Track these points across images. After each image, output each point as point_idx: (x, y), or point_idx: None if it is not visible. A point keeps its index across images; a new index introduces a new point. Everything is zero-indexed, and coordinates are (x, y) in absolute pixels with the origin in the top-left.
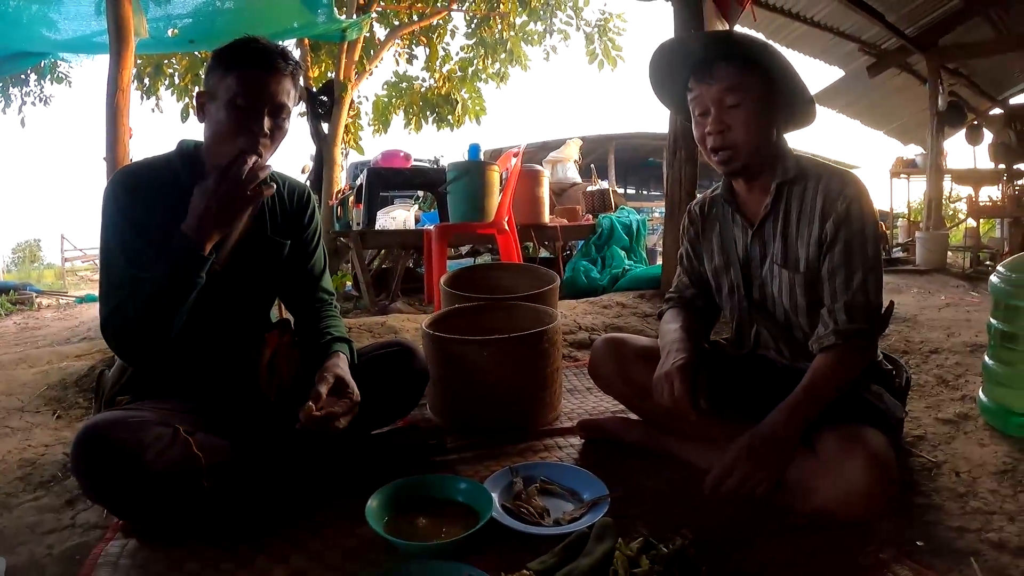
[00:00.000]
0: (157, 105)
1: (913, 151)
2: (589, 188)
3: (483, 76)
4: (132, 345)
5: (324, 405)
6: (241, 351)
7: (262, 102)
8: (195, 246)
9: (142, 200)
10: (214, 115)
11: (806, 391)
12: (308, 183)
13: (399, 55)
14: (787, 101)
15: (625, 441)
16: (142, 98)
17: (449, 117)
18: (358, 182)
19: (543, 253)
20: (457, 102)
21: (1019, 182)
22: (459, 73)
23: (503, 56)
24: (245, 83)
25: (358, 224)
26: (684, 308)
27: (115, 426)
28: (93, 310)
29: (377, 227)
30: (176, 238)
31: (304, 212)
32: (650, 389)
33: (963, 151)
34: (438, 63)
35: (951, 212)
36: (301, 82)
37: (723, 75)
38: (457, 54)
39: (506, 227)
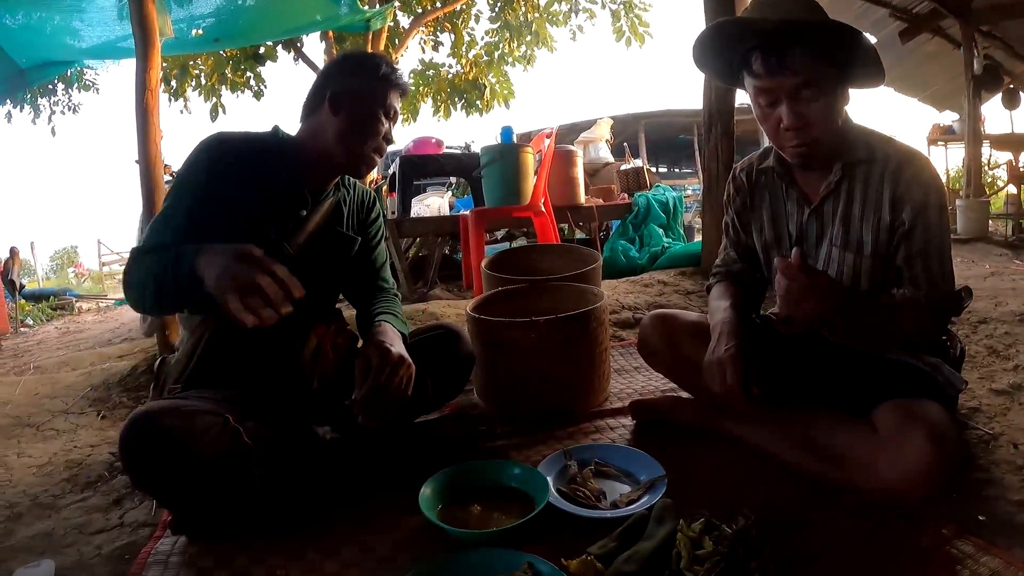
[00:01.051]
0: (185, 106)
1: (949, 118)
2: (623, 167)
3: (509, 60)
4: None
5: (368, 389)
6: (291, 342)
7: (393, 112)
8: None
9: (222, 168)
10: (353, 116)
11: (889, 305)
12: None
13: (424, 42)
14: (859, 78)
15: (678, 421)
16: (170, 100)
17: (478, 102)
18: (390, 171)
19: (579, 234)
20: (485, 87)
21: None
22: (485, 58)
23: (529, 38)
24: (385, 96)
25: (393, 213)
26: (732, 283)
27: (165, 414)
28: (133, 312)
29: (412, 215)
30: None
31: (371, 211)
32: (701, 365)
33: (1000, 116)
34: (464, 48)
35: (990, 179)
36: None
37: (799, 65)
38: (482, 39)
39: (543, 209)
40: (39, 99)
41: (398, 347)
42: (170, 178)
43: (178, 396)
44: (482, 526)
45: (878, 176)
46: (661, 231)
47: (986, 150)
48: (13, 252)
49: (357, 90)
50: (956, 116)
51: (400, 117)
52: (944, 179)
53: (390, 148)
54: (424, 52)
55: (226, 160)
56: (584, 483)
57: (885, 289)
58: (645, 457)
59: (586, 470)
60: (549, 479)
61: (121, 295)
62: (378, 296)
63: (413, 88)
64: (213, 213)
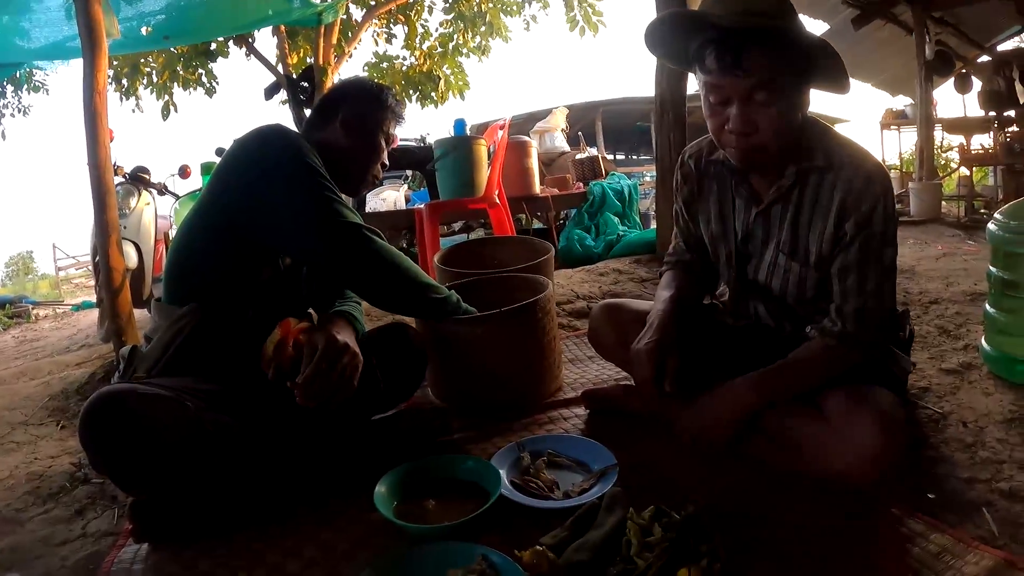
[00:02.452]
0: (137, 105)
1: (902, 102)
2: (578, 156)
3: (464, 51)
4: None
5: (311, 371)
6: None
7: (390, 143)
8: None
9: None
10: (367, 140)
11: (787, 371)
12: None
13: (377, 35)
14: (820, 80)
15: (630, 409)
16: (121, 99)
17: (432, 94)
18: None
19: (536, 224)
20: (440, 78)
21: (1010, 129)
22: (439, 49)
23: (483, 29)
24: (393, 129)
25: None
26: (682, 272)
27: (127, 394)
28: (90, 317)
29: (368, 210)
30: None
31: None
32: None
33: (953, 100)
34: (417, 40)
35: (943, 162)
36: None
37: (756, 66)
38: (436, 30)
39: (497, 200)
40: None
41: (345, 335)
42: (122, 179)
43: (142, 381)
44: (438, 520)
45: (830, 184)
46: (617, 219)
47: (938, 134)
48: None
49: (367, 115)
50: (909, 101)
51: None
52: (897, 162)
53: None
54: (377, 45)
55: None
56: (537, 474)
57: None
58: (597, 446)
59: (539, 461)
60: (502, 471)
61: (78, 300)
62: (344, 301)
63: None
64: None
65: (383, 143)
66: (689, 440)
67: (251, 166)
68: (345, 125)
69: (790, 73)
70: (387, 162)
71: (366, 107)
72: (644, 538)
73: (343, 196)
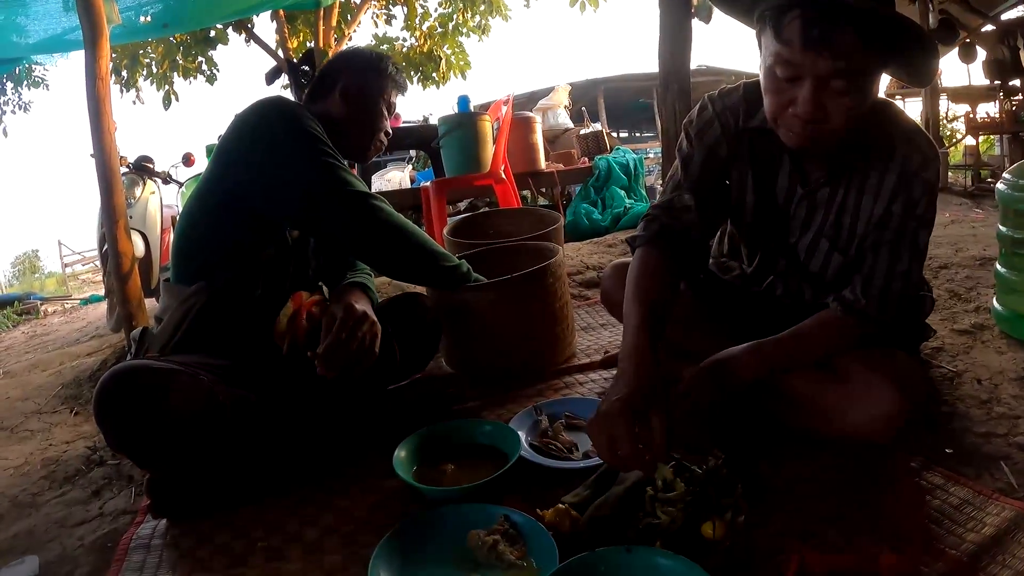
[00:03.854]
0: (138, 96)
1: None
2: (582, 131)
3: (464, 30)
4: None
5: (332, 340)
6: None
7: (391, 112)
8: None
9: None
10: (369, 108)
11: (790, 342)
12: None
13: (377, 16)
14: (900, 68)
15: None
16: (122, 91)
17: (434, 75)
18: None
19: (542, 201)
20: (440, 59)
21: (1016, 98)
22: (439, 29)
23: (482, 8)
24: (396, 97)
25: None
26: (659, 253)
27: (141, 371)
28: (99, 310)
29: (373, 191)
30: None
31: None
32: None
33: (957, 69)
34: (417, 21)
35: (948, 132)
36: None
37: (844, 49)
38: (436, 10)
39: (503, 176)
40: None
41: (362, 305)
42: (126, 170)
43: (155, 358)
44: (457, 484)
45: (883, 164)
46: (623, 193)
47: (944, 103)
48: None
49: (366, 83)
50: None
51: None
52: None
53: None
54: (377, 26)
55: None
56: (555, 436)
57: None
58: None
59: (557, 423)
60: (521, 434)
61: (86, 295)
62: (354, 273)
63: None
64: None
65: (384, 110)
66: (687, 405)
67: (252, 140)
68: (345, 94)
69: (875, 63)
70: (390, 130)
71: (365, 75)
72: (666, 492)
73: (348, 164)
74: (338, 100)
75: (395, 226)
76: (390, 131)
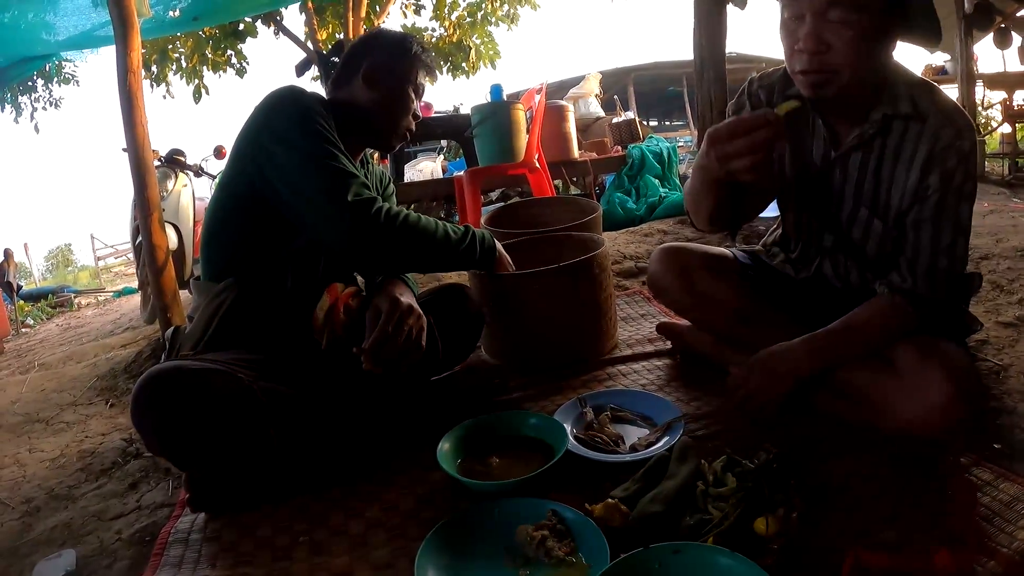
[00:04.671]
0: (168, 91)
1: (941, 58)
2: (614, 120)
3: (493, 20)
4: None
5: (378, 335)
6: (310, 306)
7: (419, 95)
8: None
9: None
10: (393, 91)
11: (845, 333)
12: None
13: (406, 7)
14: (907, 17)
15: (698, 350)
16: (152, 86)
17: (463, 64)
18: None
19: (574, 190)
20: (470, 48)
21: None
22: (468, 19)
23: None
24: (423, 80)
25: None
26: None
27: (178, 372)
28: (132, 302)
29: (406, 180)
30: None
31: (387, 188)
32: (714, 298)
33: (992, 55)
34: (446, 11)
35: (984, 120)
36: None
37: None
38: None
39: (537, 165)
40: (20, 97)
41: (407, 298)
42: (158, 163)
43: (190, 357)
44: (503, 477)
45: (915, 134)
46: (657, 182)
47: (980, 90)
48: (8, 254)
49: (391, 65)
50: (947, 57)
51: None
52: None
53: None
54: (406, 17)
55: (323, 114)
56: (601, 429)
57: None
58: (661, 400)
59: (602, 416)
60: (566, 426)
61: (119, 287)
62: None
63: None
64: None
65: (411, 93)
66: (740, 402)
67: (262, 136)
68: (368, 78)
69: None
70: (419, 113)
71: (388, 56)
72: (718, 488)
73: (373, 150)
74: (361, 84)
75: (406, 226)
76: (419, 115)
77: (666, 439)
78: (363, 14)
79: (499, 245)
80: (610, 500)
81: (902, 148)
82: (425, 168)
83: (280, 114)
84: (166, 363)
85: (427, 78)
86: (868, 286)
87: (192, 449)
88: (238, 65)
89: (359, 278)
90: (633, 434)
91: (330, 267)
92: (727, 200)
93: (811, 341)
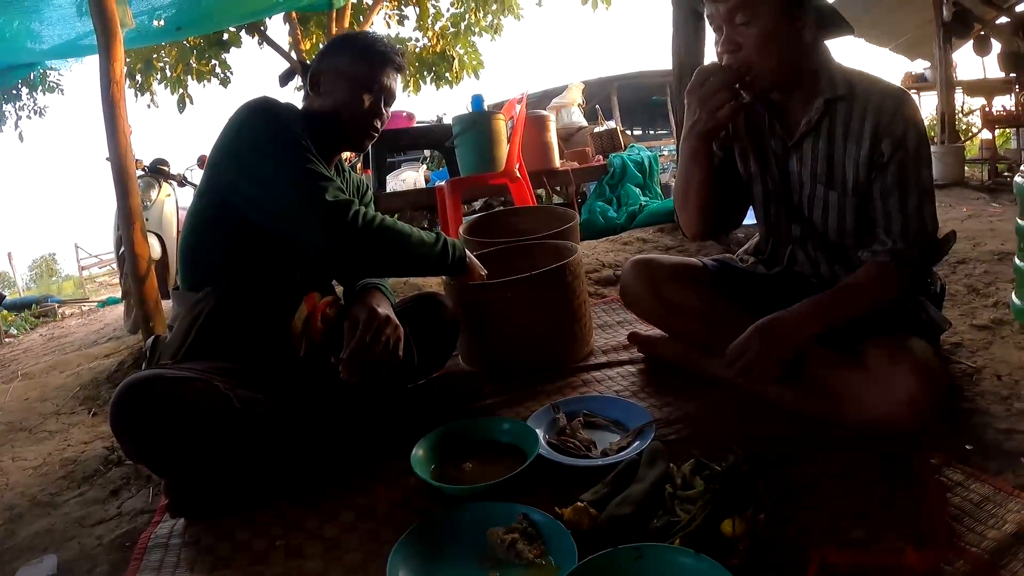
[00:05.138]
0: (152, 100)
1: (921, 66)
2: (596, 129)
3: (476, 30)
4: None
5: (355, 345)
6: (287, 315)
7: (389, 95)
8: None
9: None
10: (345, 93)
11: (840, 295)
12: None
13: (389, 17)
14: (817, 14)
15: (666, 358)
16: (136, 95)
17: (447, 74)
18: None
19: (556, 199)
20: (453, 58)
21: None
22: (452, 29)
23: (494, 7)
24: (382, 76)
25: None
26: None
27: (156, 381)
28: (116, 312)
29: (388, 190)
30: None
31: (365, 196)
32: (682, 307)
33: (971, 62)
34: (429, 21)
35: (964, 126)
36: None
37: None
38: (448, 10)
39: (518, 175)
40: (4, 105)
41: (384, 308)
42: (142, 172)
43: (168, 366)
44: (476, 482)
45: (860, 111)
46: (638, 190)
47: (959, 97)
48: None
49: (345, 68)
50: (927, 64)
51: (395, 95)
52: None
53: None
54: (390, 27)
55: (291, 123)
56: (574, 434)
57: (871, 227)
58: (633, 406)
59: (575, 421)
60: (539, 432)
61: (103, 297)
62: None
63: None
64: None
65: (361, 94)
66: (742, 370)
67: (236, 146)
68: (313, 85)
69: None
70: (379, 111)
71: (340, 59)
72: (686, 490)
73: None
74: (320, 92)
75: (379, 231)
76: (380, 112)
77: (637, 443)
78: (346, 24)
79: (469, 253)
80: (579, 503)
81: (849, 126)
82: (408, 178)
83: (253, 124)
84: (144, 372)
85: (389, 75)
86: (839, 278)
87: (170, 456)
88: (222, 75)
89: (337, 287)
90: (605, 439)
91: (307, 276)
92: (716, 182)
93: (809, 306)
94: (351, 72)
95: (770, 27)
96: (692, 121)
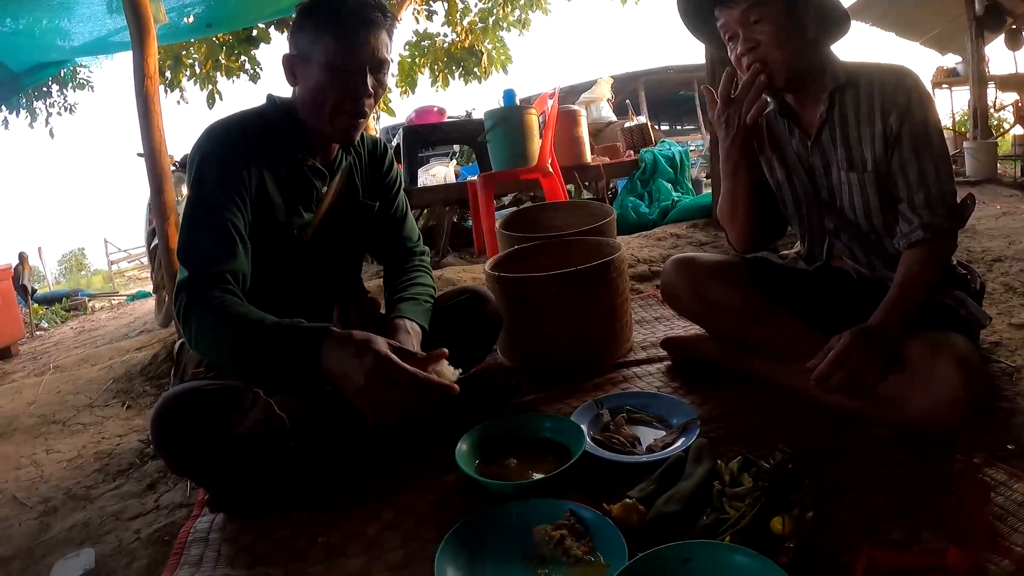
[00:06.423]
0: (182, 97)
1: (952, 60)
2: (627, 124)
3: (504, 25)
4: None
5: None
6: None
7: (364, 61)
8: (311, 365)
9: (232, 157)
10: (312, 78)
11: (902, 287)
12: None
13: (417, 13)
14: (817, 12)
15: (704, 356)
16: (166, 92)
17: (475, 70)
18: (394, 143)
19: (587, 194)
20: (482, 53)
21: None
22: (480, 24)
23: (523, 2)
24: (345, 42)
25: None
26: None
27: (196, 394)
28: (147, 306)
29: (419, 184)
30: (298, 340)
31: (383, 162)
32: (722, 305)
33: (1003, 57)
34: (458, 16)
35: (996, 121)
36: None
37: None
38: (476, 5)
39: (550, 170)
40: (35, 102)
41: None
42: (174, 168)
43: (204, 377)
44: (519, 479)
45: (866, 93)
46: (670, 186)
47: (991, 92)
48: (22, 258)
49: (305, 47)
50: (959, 59)
51: (386, 58)
52: (949, 122)
53: (389, 122)
54: (418, 23)
55: (235, 149)
56: (618, 430)
57: (895, 204)
58: (676, 402)
59: (619, 417)
60: (583, 428)
61: (133, 291)
62: (407, 261)
63: (409, 60)
64: (243, 209)
65: (338, 71)
66: (845, 378)
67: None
68: (296, 71)
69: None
70: (365, 89)
71: (301, 37)
72: (734, 488)
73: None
74: (296, 80)
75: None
76: (363, 92)
77: (682, 440)
78: None
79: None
80: (628, 500)
81: (859, 109)
82: (438, 173)
83: (192, 157)
84: (184, 385)
85: (363, 40)
86: (876, 270)
87: (216, 469)
88: (251, 71)
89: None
90: (649, 435)
91: (323, 280)
92: (759, 195)
93: (887, 309)
94: (317, 50)
95: (782, 23)
96: (725, 135)
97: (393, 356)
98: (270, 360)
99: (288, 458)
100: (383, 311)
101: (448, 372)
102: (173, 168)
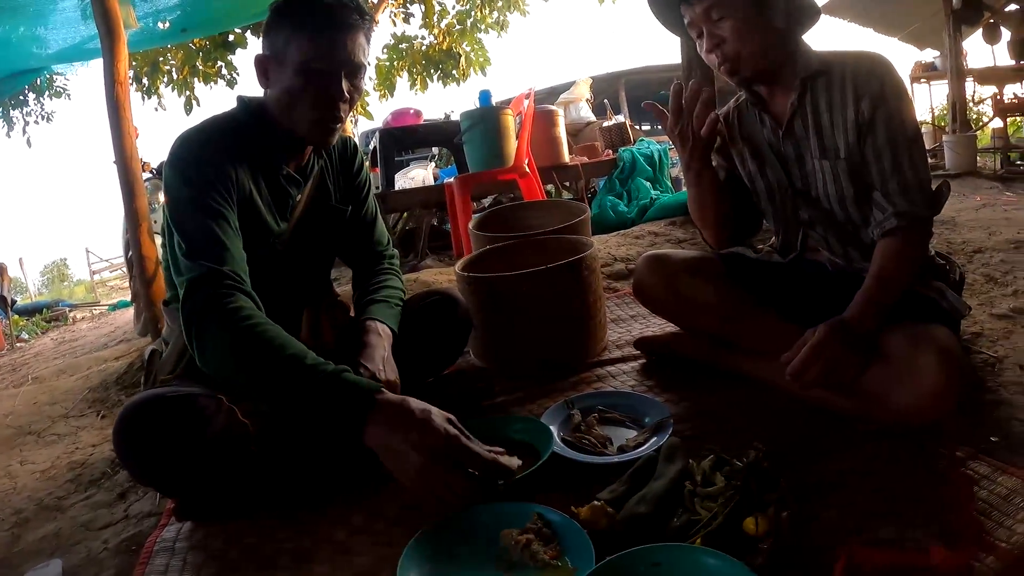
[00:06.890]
0: (159, 103)
1: (930, 55)
2: (605, 124)
3: (482, 27)
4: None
5: None
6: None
7: (339, 64)
8: (353, 433)
9: (208, 164)
10: (285, 80)
11: (878, 278)
12: None
13: (395, 15)
14: (787, 2)
15: (682, 353)
16: (143, 98)
17: (454, 72)
18: (371, 146)
19: (566, 194)
20: (460, 56)
21: None
22: (458, 26)
23: (500, 4)
24: (320, 45)
25: (377, 188)
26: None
27: (159, 401)
28: (127, 315)
29: (396, 187)
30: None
31: (354, 164)
32: (697, 301)
33: (982, 51)
34: (435, 18)
35: (975, 115)
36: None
37: None
38: (454, 7)
39: (527, 170)
40: (11, 111)
41: (391, 370)
42: (150, 175)
43: (170, 385)
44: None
45: (839, 81)
46: (648, 184)
47: (970, 85)
48: (1, 269)
49: (279, 48)
50: (937, 53)
51: (363, 62)
52: (929, 116)
53: (367, 126)
54: (395, 25)
55: (217, 149)
56: (589, 430)
57: (869, 192)
58: (649, 400)
59: (590, 417)
60: (553, 429)
61: (114, 300)
62: (377, 265)
63: (387, 63)
64: (233, 207)
65: (312, 74)
66: (820, 375)
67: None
68: (268, 72)
69: None
70: (340, 93)
71: (276, 38)
72: (706, 488)
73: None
74: (269, 82)
75: (235, 329)
76: (338, 97)
77: (654, 439)
78: None
79: (390, 399)
80: (596, 502)
81: (831, 97)
82: (416, 176)
83: (168, 164)
84: (146, 392)
85: (340, 43)
86: (853, 262)
87: (177, 478)
88: (228, 76)
89: (337, 293)
90: (622, 435)
91: (296, 285)
92: (729, 194)
93: (862, 302)
94: (292, 52)
95: (745, 17)
96: (682, 148)
97: (461, 434)
98: (301, 409)
99: (253, 464)
100: (352, 315)
101: (508, 460)
102: (149, 175)
